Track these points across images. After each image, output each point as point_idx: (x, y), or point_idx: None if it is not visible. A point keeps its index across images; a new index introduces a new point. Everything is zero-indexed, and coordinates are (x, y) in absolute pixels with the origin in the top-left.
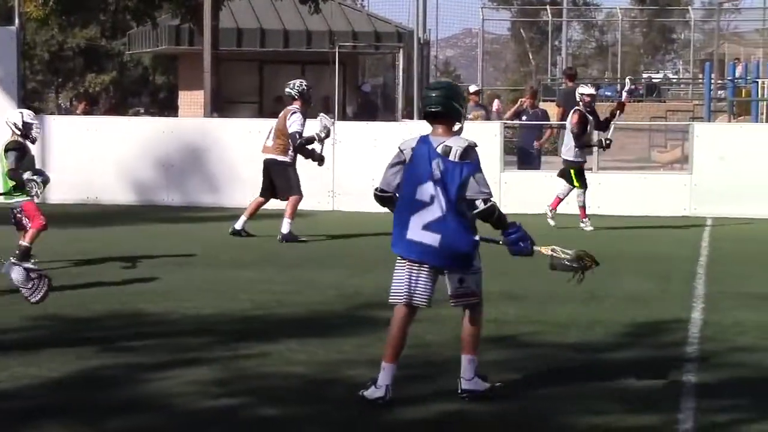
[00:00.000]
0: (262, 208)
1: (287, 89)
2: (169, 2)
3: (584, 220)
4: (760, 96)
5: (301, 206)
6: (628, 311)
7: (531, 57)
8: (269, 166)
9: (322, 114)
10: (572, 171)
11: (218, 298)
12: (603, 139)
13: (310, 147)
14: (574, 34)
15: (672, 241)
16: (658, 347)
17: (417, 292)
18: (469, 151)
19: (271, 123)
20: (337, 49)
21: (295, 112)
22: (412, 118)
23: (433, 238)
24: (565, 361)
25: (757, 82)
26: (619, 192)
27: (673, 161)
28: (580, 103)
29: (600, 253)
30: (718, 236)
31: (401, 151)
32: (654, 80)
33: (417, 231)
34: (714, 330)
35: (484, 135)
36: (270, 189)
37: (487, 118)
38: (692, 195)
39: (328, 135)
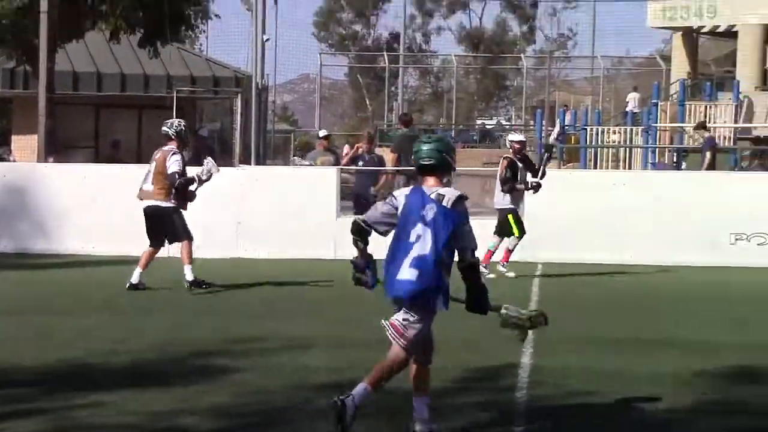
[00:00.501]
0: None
1: (164, 128)
2: (2, 45)
3: (505, 264)
4: (588, 143)
5: (139, 252)
6: (462, 356)
7: (368, 102)
8: (152, 214)
9: (209, 158)
10: (510, 217)
11: (52, 347)
12: (531, 182)
13: (191, 188)
14: (410, 80)
15: (504, 285)
16: (491, 392)
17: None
18: (461, 201)
19: (106, 168)
20: (175, 94)
21: (174, 153)
22: (249, 162)
23: (412, 273)
24: (399, 408)
25: (586, 129)
26: None
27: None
28: (510, 150)
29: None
30: (548, 281)
31: (395, 197)
32: (488, 126)
33: (405, 270)
34: (542, 374)
35: (320, 180)
36: (158, 236)
37: (337, 162)
38: (525, 240)
39: (209, 178)
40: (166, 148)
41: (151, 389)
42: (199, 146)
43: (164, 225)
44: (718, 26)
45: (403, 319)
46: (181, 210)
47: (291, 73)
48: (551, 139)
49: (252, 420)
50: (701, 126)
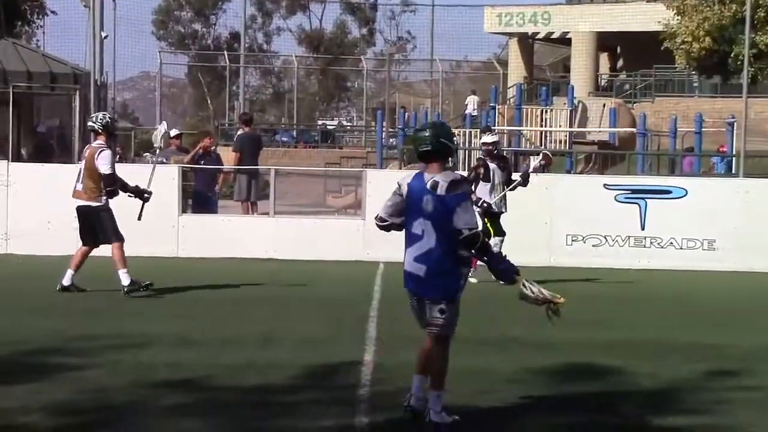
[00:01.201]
0: None
1: (90, 123)
2: None
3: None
4: None
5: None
6: (304, 354)
7: (209, 101)
8: (83, 214)
9: (149, 153)
10: (486, 220)
11: None
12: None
13: (131, 186)
14: (251, 79)
15: (346, 284)
16: (333, 389)
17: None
18: (456, 183)
19: None
20: (11, 89)
21: (103, 149)
22: None
23: (419, 269)
24: (243, 406)
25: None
26: (294, 236)
27: (347, 206)
28: (483, 151)
29: (276, 296)
30: (389, 279)
31: (399, 185)
32: (329, 127)
33: (410, 263)
34: (385, 371)
35: (162, 179)
36: (90, 235)
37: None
38: (365, 239)
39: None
40: (94, 144)
41: None
42: (37, 142)
43: (95, 225)
44: (553, 33)
45: (437, 314)
46: (111, 209)
47: (131, 70)
48: (531, 167)
49: (92, 418)
50: (487, 130)
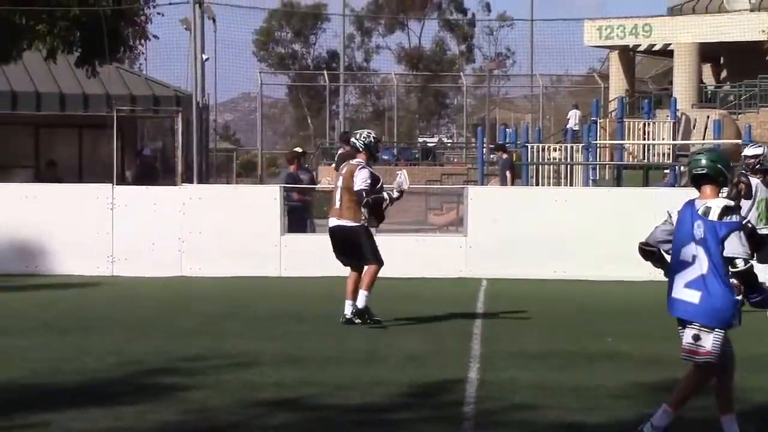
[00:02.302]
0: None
1: (352, 139)
2: None
3: None
4: (529, 160)
5: (80, 271)
6: (408, 372)
7: (310, 121)
8: (339, 234)
9: (402, 171)
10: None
11: None
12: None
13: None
14: (351, 98)
15: (448, 302)
16: (437, 407)
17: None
18: (729, 210)
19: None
20: (115, 113)
21: (362, 167)
22: (192, 182)
23: (692, 296)
24: (349, 425)
25: (527, 146)
26: (396, 254)
27: (449, 223)
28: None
29: (379, 313)
30: (492, 296)
31: (669, 215)
32: (429, 144)
33: (680, 289)
34: (490, 389)
35: (263, 198)
36: (350, 258)
37: (312, 180)
38: (467, 256)
39: (401, 195)
40: (354, 161)
41: (95, 408)
42: (143, 165)
43: (352, 246)
44: (654, 45)
45: (692, 340)
46: (371, 229)
47: (232, 92)
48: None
49: None
50: (500, 148)
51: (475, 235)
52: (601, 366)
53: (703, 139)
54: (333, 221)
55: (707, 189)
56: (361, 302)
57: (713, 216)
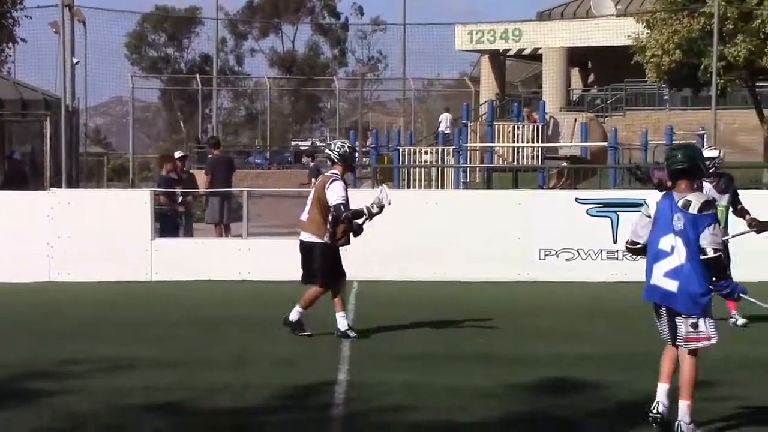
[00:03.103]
0: None
1: (326, 151)
2: None
3: None
4: (401, 162)
5: None
6: (278, 375)
7: (182, 124)
8: (304, 248)
9: (383, 185)
10: None
11: None
12: None
13: (358, 222)
14: (224, 102)
15: (318, 305)
16: (307, 410)
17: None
18: (707, 205)
19: None
20: None
21: (336, 180)
22: (61, 186)
23: (671, 284)
24: (218, 428)
25: (398, 149)
26: (270, 257)
27: None
28: None
29: (250, 317)
30: (364, 298)
31: (647, 205)
32: (302, 148)
33: (659, 278)
34: (360, 391)
35: (133, 202)
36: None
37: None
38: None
39: (380, 210)
40: (328, 173)
41: None
42: (12, 169)
43: (307, 261)
44: (524, 49)
45: (692, 329)
46: (339, 246)
47: (104, 95)
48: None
49: None
50: (309, 154)
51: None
52: (472, 366)
53: (571, 142)
54: (302, 235)
55: (683, 183)
56: (293, 316)
57: (693, 209)
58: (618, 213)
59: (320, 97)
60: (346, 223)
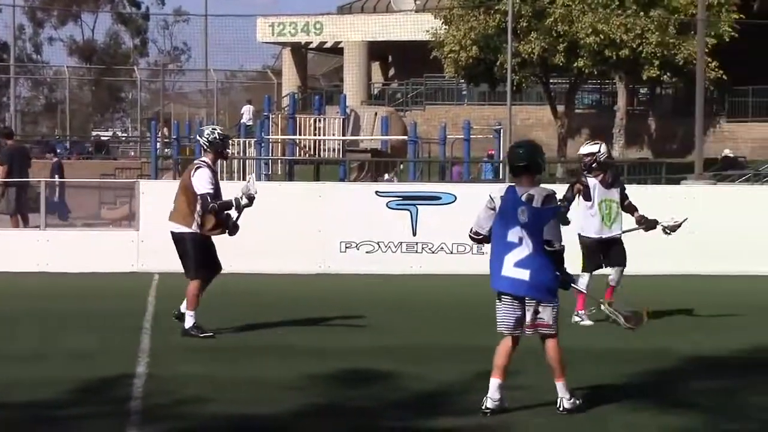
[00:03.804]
0: None
1: (197, 137)
2: None
3: None
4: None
5: None
6: (75, 368)
7: None
8: (174, 240)
9: (251, 175)
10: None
11: None
12: None
13: (233, 219)
14: (22, 91)
15: (119, 297)
16: (105, 403)
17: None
18: (549, 198)
19: None
20: None
21: (201, 167)
22: None
23: (523, 273)
24: (13, 423)
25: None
26: (68, 249)
27: (122, 218)
28: None
29: (48, 310)
30: (164, 291)
31: (492, 198)
32: (103, 138)
33: (510, 268)
34: (159, 383)
35: None
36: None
37: None
38: (139, 251)
39: (250, 202)
40: (196, 161)
41: None
42: None
43: (178, 253)
44: (325, 42)
45: (539, 317)
46: (211, 237)
47: None
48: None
49: None
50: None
51: (147, 229)
52: (273, 358)
53: (372, 135)
54: (170, 225)
55: (524, 178)
56: (188, 324)
57: (537, 203)
58: (417, 206)
59: (121, 87)
60: (213, 214)
